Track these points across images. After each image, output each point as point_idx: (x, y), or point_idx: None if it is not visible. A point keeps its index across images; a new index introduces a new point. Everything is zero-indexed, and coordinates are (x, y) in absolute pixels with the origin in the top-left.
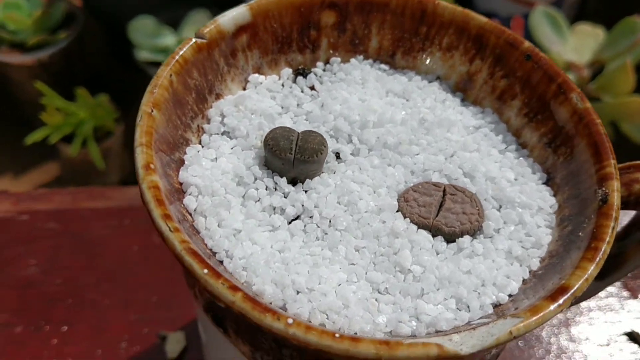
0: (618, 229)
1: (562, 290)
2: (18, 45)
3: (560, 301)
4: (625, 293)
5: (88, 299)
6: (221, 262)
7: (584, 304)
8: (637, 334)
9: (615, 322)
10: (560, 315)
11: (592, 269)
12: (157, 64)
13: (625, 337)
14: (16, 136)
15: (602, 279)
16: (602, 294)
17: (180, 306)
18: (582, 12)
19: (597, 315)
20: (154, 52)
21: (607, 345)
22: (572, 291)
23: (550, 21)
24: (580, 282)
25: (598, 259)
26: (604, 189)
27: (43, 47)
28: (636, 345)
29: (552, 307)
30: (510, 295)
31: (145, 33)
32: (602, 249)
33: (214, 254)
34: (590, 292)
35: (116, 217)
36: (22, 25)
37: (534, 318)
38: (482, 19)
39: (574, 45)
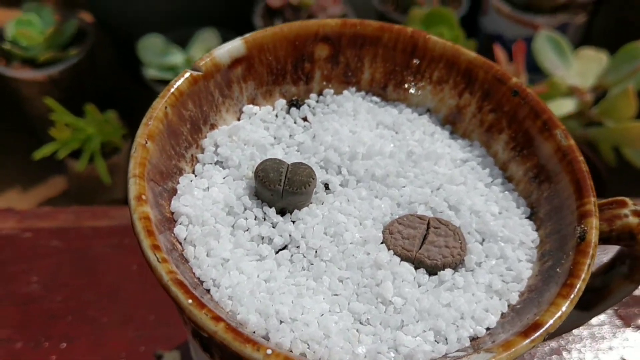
0: (604, 261)
1: (535, 326)
2: (29, 61)
3: (533, 337)
4: (617, 321)
5: (88, 316)
6: (208, 290)
7: (576, 332)
8: None
9: (607, 350)
10: (552, 343)
11: (566, 306)
12: (165, 82)
13: None
14: (25, 150)
15: (589, 310)
16: (594, 321)
17: (176, 325)
18: (588, 36)
19: (590, 343)
20: (162, 70)
21: None
22: (545, 327)
23: (554, 46)
24: (553, 319)
25: (572, 296)
26: (582, 226)
27: (54, 64)
28: None
29: (524, 342)
30: (488, 329)
31: (154, 51)
32: (577, 286)
33: (202, 282)
34: (577, 323)
35: (117, 236)
36: (34, 42)
37: (506, 353)
38: (472, 54)
39: (577, 70)
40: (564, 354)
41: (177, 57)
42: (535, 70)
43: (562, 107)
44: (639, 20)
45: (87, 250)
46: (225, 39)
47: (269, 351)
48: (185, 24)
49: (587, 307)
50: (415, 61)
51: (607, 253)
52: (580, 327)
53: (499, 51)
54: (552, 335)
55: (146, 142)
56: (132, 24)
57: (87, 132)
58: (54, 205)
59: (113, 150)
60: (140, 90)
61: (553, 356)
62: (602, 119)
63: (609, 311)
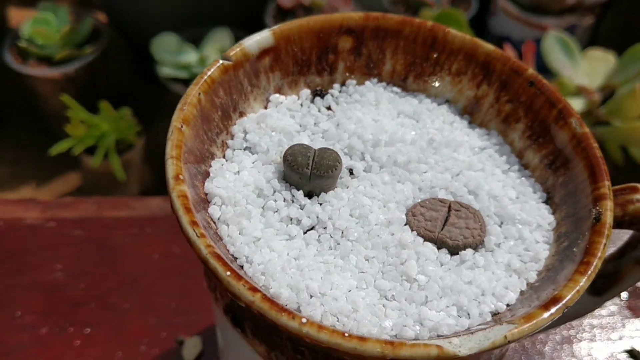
0: (616, 248)
1: (554, 300)
2: (46, 59)
3: (553, 310)
4: (627, 312)
5: (110, 303)
6: (242, 266)
7: (586, 322)
8: (637, 351)
9: (616, 340)
10: (564, 332)
11: (584, 282)
12: (179, 80)
13: (625, 355)
14: (41, 146)
15: (600, 295)
16: (603, 312)
17: (197, 312)
18: (596, 36)
19: (599, 332)
20: (175, 69)
21: None
22: (564, 301)
23: (562, 46)
24: (572, 294)
25: (589, 272)
26: (597, 208)
27: (69, 62)
28: None
29: (545, 315)
30: (508, 305)
31: (168, 50)
32: (594, 264)
33: (235, 259)
34: (589, 308)
35: (138, 226)
36: (50, 40)
37: (528, 325)
38: (490, 46)
39: (585, 70)
40: (575, 342)
41: (191, 55)
42: (543, 71)
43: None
44: None
45: (108, 240)
46: (237, 38)
47: (304, 320)
48: (199, 24)
49: (600, 292)
50: (435, 53)
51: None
52: (591, 318)
53: (509, 51)
54: (567, 319)
55: (182, 126)
56: (146, 23)
57: (101, 128)
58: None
59: (127, 146)
60: (153, 88)
61: (564, 345)
62: (610, 119)
63: (619, 302)
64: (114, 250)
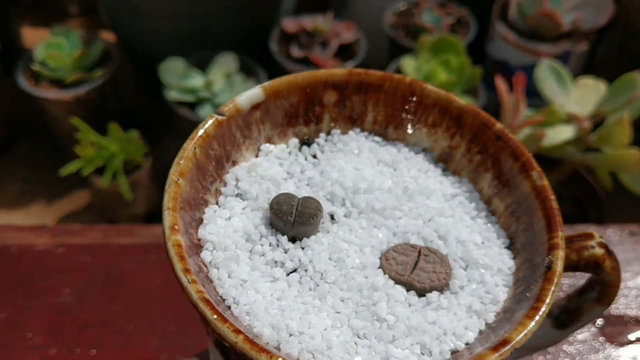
0: (577, 287)
1: (504, 342)
2: (57, 81)
3: (501, 351)
4: (601, 339)
5: (115, 325)
6: (229, 307)
7: (564, 348)
8: None
9: None
10: (540, 357)
11: (532, 326)
12: (186, 104)
13: None
14: (51, 165)
15: (564, 329)
16: (580, 338)
17: (195, 335)
18: (591, 63)
19: (574, 358)
20: (182, 92)
21: None
22: (512, 344)
23: (554, 74)
24: (520, 337)
25: (537, 317)
26: (550, 257)
27: (80, 84)
28: None
29: (493, 356)
30: (467, 344)
31: (175, 74)
32: (542, 309)
33: (224, 300)
34: (554, 340)
35: (142, 253)
36: (62, 64)
37: None
38: (462, 102)
39: (576, 98)
40: None
41: (197, 80)
42: (537, 96)
43: (561, 133)
44: None
45: (114, 265)
46: (242, 62)
47: (280, 359)
48: (205, 48)
49: (564, 326)
50: (412, 106)
51: (581, 279)
52: (567, 344)
53: (500, 82)
54: (534, 350)
55: (178, 179)
56: (154, 47)
57: (110, 150)
58: (77, 218)
59: (135, 167)
60: (161, 110)
61: None
62: (600, 145)
63: (594, 329)
64: (119, 275)
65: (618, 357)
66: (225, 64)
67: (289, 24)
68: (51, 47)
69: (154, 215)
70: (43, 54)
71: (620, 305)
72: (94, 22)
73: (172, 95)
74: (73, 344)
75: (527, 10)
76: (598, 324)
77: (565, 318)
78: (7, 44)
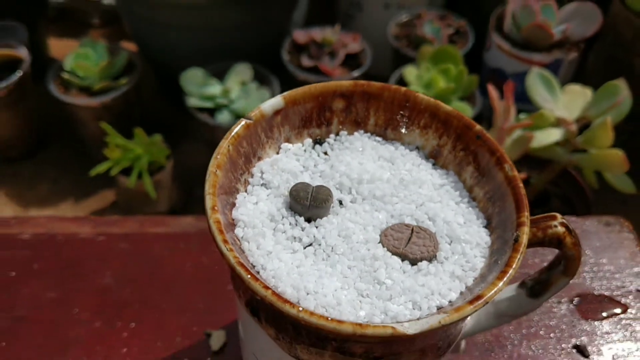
0: (547, 262)
1: (478, 297)
2: (85, 89)
3: (476, 304)
4: (577, 315)
5: (151, 304)
6: (258, 272)
7: (541, 323)
8: (584, 346)
9: (567, 338)
10: (523, 330)
11: (501, 285)
12: (205, 110)
13: (574, 350)
14: (79, 166)
15: (537, 298)
16: (557, 314)
17: (222, 311)
18: (581, 71)
19: (553, 331)
20: (201, 100)
21: (559, 355)
22: (484, 298)
23: (544, 82)
24: (491, 293)
25: (505, 278)
26: (517, 232)
27: (107, 92)
28: (581, 356)
29: (469, 308)
30: (450, 301)
31: (195, 82)
32: (509, 273)
33: (253, 266)
34: (530, 308)
35: (173, 241)
36: (90, 73)
37: (456, 314)
38: (448, 107)
39: (564, 103)
40: (532, 339)
41: (215, 87)
42: (528, 102)
43: (550, 136)
44: (627, 57)
45: (149, 252)
46: (257, 71)
47: (300, 308)
48: (222, 59)
49: (537, 295)
50: (407, 111)
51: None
52: (547, 319)
53: (492, 89)
54: (513, 317)
55: (216, 171)
56: (175, 57)
57: (136, 152)
58: (104, 216)
59: (158, 168)
60: (181, 116)
61: (523, 341)
62: (586, 147)
63: (572, 307)
64: (153, 260)
65: (591, 330)
66: (241, 73)
67: (300, 36)
68: (79, 57)
69: (176, 213)
70: (72, 63)
71: (596, 286)
72: (116, 32)
73: (193, 102)
74: (114, 319)
75: (521, 22)
76: (575, 302)
77: (538, 289)
78: (35, 53)
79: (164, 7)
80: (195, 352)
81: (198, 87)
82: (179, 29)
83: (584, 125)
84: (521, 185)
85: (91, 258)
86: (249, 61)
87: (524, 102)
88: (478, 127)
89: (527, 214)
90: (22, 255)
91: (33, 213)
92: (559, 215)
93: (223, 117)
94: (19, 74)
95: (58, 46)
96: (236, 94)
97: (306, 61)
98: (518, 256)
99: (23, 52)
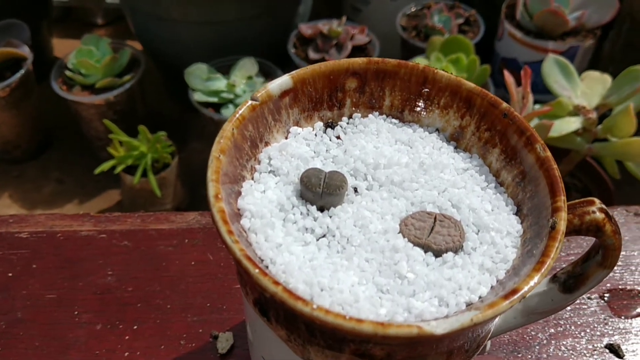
0: (582, 253)
1: (513, 292)
2: (89, 87)
3: (512, 299)
4: (609, 311)
5: (154, 304)
6: (267, 267)
7: (571, 320)
8: (618, 345)
9: (598, 336)
10: (551, 329)
11: (538, 278)
12: (209, 105)
13: (607, 350)
14: (84, 165)
15: (571, 293)
16: (587, 312)
17: (229, 311)
18: (596, 59)
19: (583, 329)
20: (206, 95)
21: (591, 356)
22: (521, 292)
23: (560, 69)
24: (528, 286)
25: (543, 270)
26: (554, 218)
27: (110, 89)
28: (614, 357)
29: (504, 303)
30: (480, 297)
31: (200, 78)
32: (547, 263)
33: (262, 260)
34: (563, 304)
35: (177, 238)
36: (93, 70)
37: (490, 311)
38: (471, 84)
39: (583, 91)
40: (561, 338)
41: (220, 82)
42: (546, 92)
43: (569, 124)
44: None
45: (152, 249)
46: (262, 65)
47: (314, 306)
48: (227, 54)
49: (570, 290)
50: (426, 90)
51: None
52: (576, 317)
53: (508, 76)
54: (546, 314)
55: (219, 156)
56: (179, 53)
57: (140, 150)
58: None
59: (163, 166)
60: (186, 112)
61: (552, 340)
62: (606, 136)
63: (602, 303)
64: (157, 258)
65: (625, 328)
66: (246, 67)
67: (306, 29)
68: (82, 54)
69: (181, 211)
70: (75, 61)
71: (628, 281)
72: (120, 31)
73: (198, 97)
74: (116, 321)
75: (534, 9)
76: (606, 298)
77: (572, 283)
78: (39, 53)
79: (167, 1)
80: (201, 356)
81: (203, 82)
82: (183, 24)
83: (604, 113)
84: (555, 166)
85: (92, 257)
86: (255, 56)
87: (538, 93)
88: (505, 104)
89: (563, 197)
90: (20, 255)
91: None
92: (597, 200)
93: (229, 112)
94: (21, 72)
95: (62, 46)
96: (241, 89)
97: (313, 54)
98: (556, 244)
99: (25, 51)
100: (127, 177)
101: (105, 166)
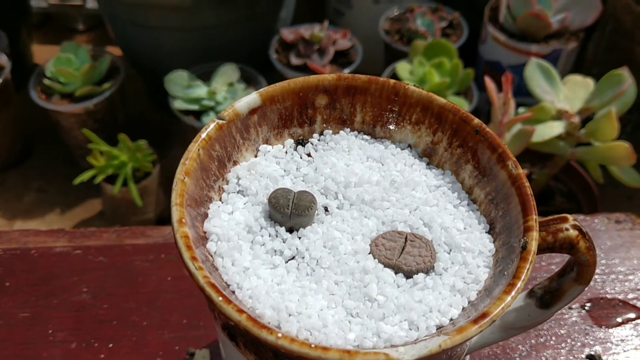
0: (557, 269)
1: (483, 315)
2: (68, 95)
3: (481, 323)
4: (590, 321)
5: (130, 321)
6: (233, 292)
7: (552, 331)
8: (598, 356)
9: (579, 347)
10: (532, 340)
11: (509, 300)
12: (190, 112)
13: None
14: (65, 175)
15: (548, 308)
16: (568, 322)
17: (206, 327)
18: (580, 61)
19: (564, 340)
20: (187, 102)
21: None
22: (491, 316)
23: (543, 73)
24: (497, 310)
25: (513, 292)
26: (525, 238)
27: (89, 97)
28: None
29: (474, 328)
30: (451, 319)
31: (180, 85)
32: (518, 285)
33: (228, 286)
34: (539, 320)
35: (154, 252)
36: (72, 78)
37: (459, 336)
38: (442, 100)
39: (565, 95)
40: (541, 350)
41: (201, 89)
42: (528, 95)
43: (552, 129)
44: (628, 46)
45: (128, 265)
46: (243, 72)
47: (279, 334)
48: (208, 60)
49: (547, 306)
50: (397, 106)
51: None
52: (557, 327)
53: (489, 82)
54: (522, 329)
55: (184, 178)
56: (160, 59)
57: (120, 159)
58: (90, 225)
59: (144, 174)
60: (167, 119)
61: (532, 352)
62: (589, 140)
63: (583, 312)
64: (133, 273)
65: (605, 338)
66: (227, 74)
67: (287, 34)
68: (61, 62)
69: (164, 220)
70: (53, 69)
71: (608, 289)
72: (100, 37)
73: (178, 104)
74: (91, 339)
75: (517, 12)
76: (587, 307)
77: (548, 298)
78: (18, 60)
79: (147, 8)
80: None
81: (183, 89)
82: (163, 31)
83: (587, 117)
84: (527, 184)
85: (67, 273)
86: (236, 62)
87: (522, 96)
88: (476, 120)
89: (535, 216)
90: None
91: (19, 224)
92: (570, 217)
93: (209, 119)
94: None
95: (43, 52)
96: (223, 96)
97: (294, 59)
98: (527, 266)
99: (3, 60)
100: (107, 186)
101: (85, 176)
